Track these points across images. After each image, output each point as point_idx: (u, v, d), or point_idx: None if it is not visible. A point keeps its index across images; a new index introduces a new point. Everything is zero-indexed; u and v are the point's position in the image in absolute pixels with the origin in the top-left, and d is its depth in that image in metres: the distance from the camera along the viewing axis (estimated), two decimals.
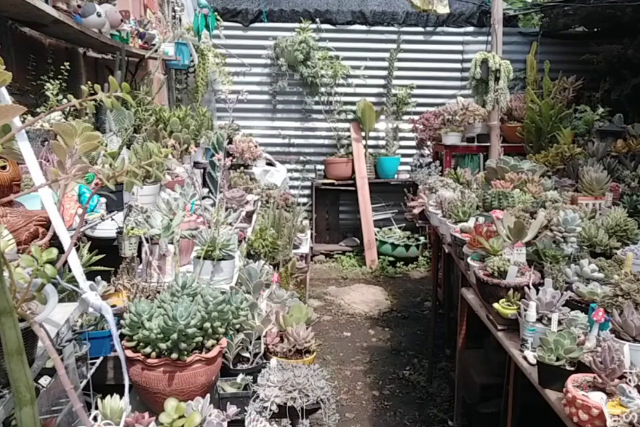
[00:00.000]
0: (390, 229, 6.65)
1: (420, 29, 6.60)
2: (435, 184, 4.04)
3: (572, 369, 1.67)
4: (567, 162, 3.98)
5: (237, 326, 1.87)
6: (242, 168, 5.53)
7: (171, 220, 2.39)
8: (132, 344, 1.63)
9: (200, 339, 1.63)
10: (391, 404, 3.61)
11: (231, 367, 2.11)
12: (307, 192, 6.67)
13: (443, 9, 5.55)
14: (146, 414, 1.43)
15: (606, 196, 3.14)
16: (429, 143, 6.02)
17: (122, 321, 1.64)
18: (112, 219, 2.26)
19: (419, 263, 6.38)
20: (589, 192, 3.33)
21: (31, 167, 1.16)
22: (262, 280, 2.48)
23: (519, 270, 2.22)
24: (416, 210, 4.21)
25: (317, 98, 6.64)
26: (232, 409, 1.61)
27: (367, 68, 6.62)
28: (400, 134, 6.72)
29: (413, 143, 6.48)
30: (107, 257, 2.11)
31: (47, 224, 1.32)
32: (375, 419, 3.46)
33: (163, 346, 1.58)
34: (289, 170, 6.53)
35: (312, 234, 6.26)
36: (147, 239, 2.28)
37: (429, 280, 5.47)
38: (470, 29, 6.59)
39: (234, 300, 1.79)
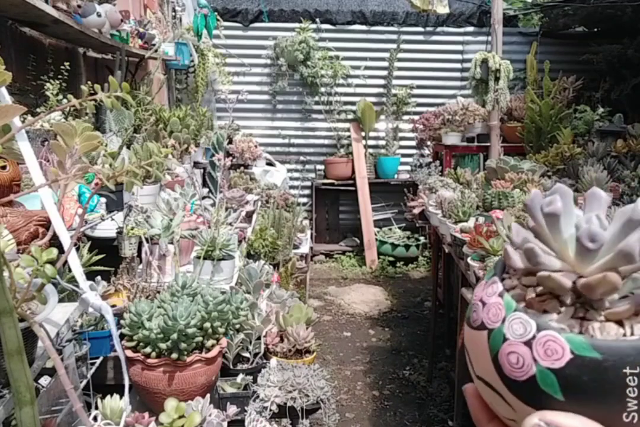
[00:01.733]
0: (390, 229, 6.65)
1: (420, 29, 6.59)
2: (435, 184, 4.04)
3: None
4: (567, 162, 3.98)
5: (237, 326, 1.87)
6: (242, 168, 5.53)
7: (171, 220, 2.40)
8: (132, 344, 1.63)
9: (200, 339, 1.63)
10: (391, 404, 3.61)
11: (231, 367, 2.11)
12: (307, 192, 6.67)
13: (443, 9, 5.56)
14: (146, 414, 1.43)
15: None
16: (429, 143, 6.02)
17: (122, 321, 1.64)
18: (112, 219, 2.26)
19: (419, 263, 6.38)
20: None
21: (31, 167, 1.16)
22: (262, 280, 2.48)
23: None
24: (416, 211, 4.21)
25: (317, 98, 6.64)
26: (232, 409, 1.62)
27: (367, 68, 6.62)
28: (400, 134, 6.72)
29: (413, 143, 6.48)
30: (107, 257, 2.11)
31: (47, 224, 1.32)
32: (375, 419, 3.46)
33: (163, 346, 1.58)
34: (289, 170, 6.53)
35: (312, 234, 6.26)
36: (147, 239, 2.28)
37: (429, 280, 5.47)
38: (470, 29, 6.59)
39: (234, 300, 1.79)
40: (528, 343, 0.32)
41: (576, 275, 0.34)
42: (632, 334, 0.32)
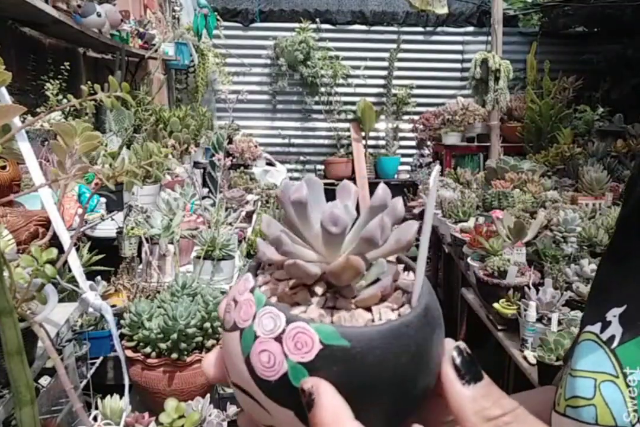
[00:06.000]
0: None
1: (420, 29, 6.59)
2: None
3: None
4: (567, 162, 3.99)
5: None
6: (242, 168, 5.52)
7: (171, 220, 2.39)
8: (132, 344, 1.63)
9: (200, 339, 1.63)
10: None
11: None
12: None
13: (441, 9, 5.55)
14: (146, 414, 1.43)
15: (606, 196, 3.15)
16: (429, 143, 6.02)
17: (122, 321, 1.64)
18: (112, 219, 2.26)
19: None
20: (589, 192, 3.33)
21: (31, 167, 1.16)
22: None
23: (519, 270, 2.23)
24: (416, 210, 4.21)
25: (317, 98, 6.63)
26: (232, 409, 1.61)
27: (367, 68, 6.62)
28: (400, 134, 6.71)
29: (413, 143, 6.48)
30: (107, 257, 2.11)
31: (47, 224, 1.31)
32: None
33: (163, 346, 1.58)
34: (289, 170, 6.52)
35: None
36: (147, 239, 2.28)
37: (429, 280, 5.46)
38: (470, 29, 6.58)
39: None
40: (278, 338, 0.30)
41: (327, 264, 0.33)
42: (380, 319, 0.31)
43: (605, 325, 0.55)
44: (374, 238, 0.32)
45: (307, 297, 0.32)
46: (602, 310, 0.56)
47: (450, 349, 0.31)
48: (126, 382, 1.27)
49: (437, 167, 0.36)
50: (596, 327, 0.56)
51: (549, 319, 1.89)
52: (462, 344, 0.32)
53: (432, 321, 0.32)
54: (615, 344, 0.53)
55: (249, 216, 3.67)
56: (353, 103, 6.62)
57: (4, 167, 1.45)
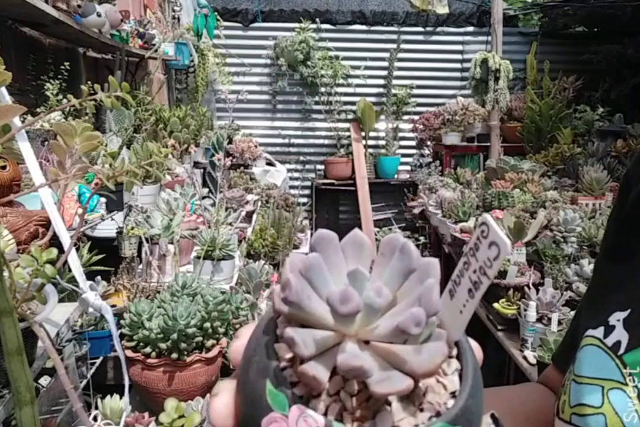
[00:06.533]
0: (390, 229, 6.64)
1: (420, 29, 6.59)
2: (435, 184, 4.05)
3: None
4: (567, 162, 3.99)
5: (237, 326, 1.87)
6: (242, 168, 5.52)
7: (171, 220, 2.39)
8: (132, 344, 1.63)
9: (200, 339, 1.63)
10: None
11: (231, 367, 2.11)
12: (307, 192, 6.67)
13: (442, 9, 5.55)
14: (146, 414, 1.43)
15: (606, 196, 3.15)
16: (429, 143, 6.03)
17: (122, 321, 1.64)
18: (112, 219, 2.26)
19: None
20: (589, 192, 3.33)
21: (31, 167, 1.16)
22: (262, 280, 2.48)
23: (519, 270, 2.23)
24: (416, 210, 4.22)
25: (317, 98, 6.63)
26: None
27: (367, 68, 6.62)
28: (400, 134, 6.71)
29: (413, 143, 6.48)
30: (107, 257, 2.11)
31: (47, 224, 1.31)
32: None
33: (163, 346, 1.58)
34: (289, 170, 6.52)
35: (312, 234, 6.25)
36: (147, 239, 2.28)
37: None
38: (470, 29, 6.58)
39: (234, 300, 1.79)
40: None
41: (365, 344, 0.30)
42: (445, 373, 0.30)
43: (609, 330, 0.53)
44: (409, 330, 0.28)
45: (382, 404, 0.29)
46: (604, 313, 0.54)
47: (487, 415, 0.32)
48: (126, 382, 1.27)
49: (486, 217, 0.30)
50: (599, 332, 0.54)
51: (549, 319, 1.89)
52: (495, 413, 0.32)
53: (475, 359, 0.31)
54: (622, 350, 0.51)
55: (249, 216, 3.68)
56: (353, 103, 6.62)
57: (4, 167, 1.45)
